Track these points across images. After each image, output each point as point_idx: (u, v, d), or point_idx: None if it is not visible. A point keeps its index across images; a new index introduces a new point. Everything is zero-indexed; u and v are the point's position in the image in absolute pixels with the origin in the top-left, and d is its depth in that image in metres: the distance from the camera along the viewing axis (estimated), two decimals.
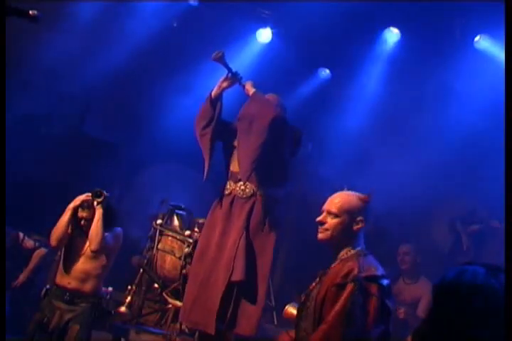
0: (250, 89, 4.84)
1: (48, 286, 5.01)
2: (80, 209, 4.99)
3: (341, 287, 2.95)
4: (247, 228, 4.57)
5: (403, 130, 7.16)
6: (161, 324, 5.56)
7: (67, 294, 4.83)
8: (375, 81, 7.25)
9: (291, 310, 4.40)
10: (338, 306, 2.91)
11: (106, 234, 4.90)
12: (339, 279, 2.98)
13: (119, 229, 5.05)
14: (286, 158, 4.78)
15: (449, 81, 6.86)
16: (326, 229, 3.18)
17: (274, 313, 5.61)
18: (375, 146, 7.13)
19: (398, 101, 7.11)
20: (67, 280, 4.89)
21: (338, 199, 3.22)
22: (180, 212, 5.82)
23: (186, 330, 4.99)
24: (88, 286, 4.89)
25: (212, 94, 4.91)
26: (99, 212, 4.90)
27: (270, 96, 4.90)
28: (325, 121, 7.29)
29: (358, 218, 3.16)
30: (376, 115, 7.15)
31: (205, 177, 4.86)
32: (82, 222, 4.98)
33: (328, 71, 7.71)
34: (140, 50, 7.32)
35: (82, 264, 4.92)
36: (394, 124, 7.14)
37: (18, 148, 7.26)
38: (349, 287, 2.93)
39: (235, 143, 4.83)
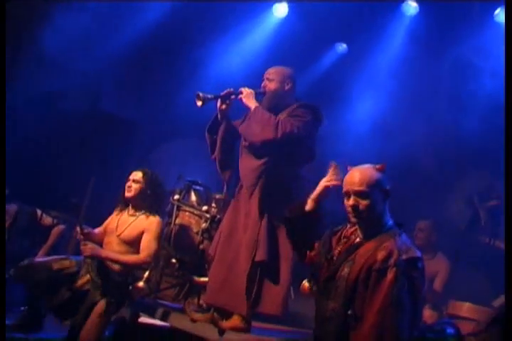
0: (250, 104, 4.56)
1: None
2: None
3: (382, 272, 2.87)
4: (267, 205, 4.49)
5: (420, 105, 7.11)
6: (178, 299, 5.59)
7: (99, 267, 4.92)
8: (392, 55, 7.18)
9: (309, 285, 4.41)
10: (383, 293, 2.83)
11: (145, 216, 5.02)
12: (379, 264, 2.89)
13: (157, 218, 5.10)
14: (307, 146, 4.59)
15: (468, 55, 6.78)
16: (363, 212, 3.03)
17: (291, 288, 5.63)
18: (392, 121, 7.08)
19: (415, 76, 7.04)
20: None
21: (359, 177, 3.04)
22: (198, 187, 5.82)
23: (204, 305, 5.01)
24: (117, 267, 4.96)
25: (218, 116, 4.71)
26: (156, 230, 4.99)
27: (282, 70, 4.73)
28: (342, 97, 7.25)
29: (387, 187, 3.05)
30: (393, 90, 7.09)
31: (224, 196, 4.83)
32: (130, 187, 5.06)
33: (345, 45, 7.65)
34: (155, 24, 7.30)
35: (116, 246, 5.00)
36: (411, 99, 7.09)
37: (35, 125, 7.28)
38: (392, 272, 2.85)
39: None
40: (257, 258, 4.42)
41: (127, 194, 5.11)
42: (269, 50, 7.35)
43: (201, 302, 5.03)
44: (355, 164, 3.23)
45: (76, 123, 7.75)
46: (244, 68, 7.19)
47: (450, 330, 4.52)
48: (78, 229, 5.01)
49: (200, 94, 4.55)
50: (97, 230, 5.18)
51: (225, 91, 4.62)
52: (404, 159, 6.78)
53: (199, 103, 4.55)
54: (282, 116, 4.56)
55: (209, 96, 4.58)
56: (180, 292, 5.52)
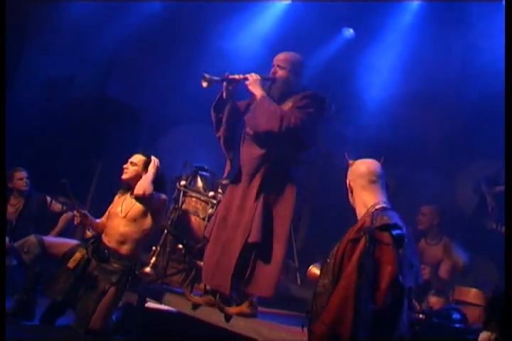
0: (256, 91, 4.55)
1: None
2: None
3: (355, 241, 2.96)
4: (265, 190, 4.53)
5: (428, 90, 7.07)
6: (185, 284, 5.61)
7: (106, 251, 4.97)
8: (400, 40, 7.14)
9: (315, 270, 4.43)
10: (352, 261, 2.92)
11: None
12: (353, 234, 3.00)
13: (164, 195, 5.18)
14: (311, 132, 4.62)
15: (476, 39, 6.72)
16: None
17: (298, 274, 5.64)
18: (398, 106, 7.06)
19: (424, 60, 6.99)
20: (107, 239, 5.06)
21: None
22: (204, 173, 5.83)
23: (209, 290, 5.03)
24: (124, 248, 5.01)
25: (224, 95, 4.71)
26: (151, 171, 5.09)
27: (294, 57, 4.72)
28: (349, 82, 7.22)
29: (348, 181, 3.29)
30: (401, 75, 7.06)
31: (224, 176, 4.85)
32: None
33: (351, 30, 7.61)
34: (162, 10, 7.29)
35: (122, 227, 5.07)
36: (419, 84, 7.04)
37: (41, 112, 7.30)
38: (362, 240, 2.93)
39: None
40: (250, 240, 4.46)
41: (123, 176, 5.18)
42: (275, 34, 7.33)
43: (207, 287, 5.04)
44: (362, 151, 3.33)
45: (83, 109, 7.77)
46: (251, 53, 7.18)
47: (456, 316, 4.53)
48: (75, 211, 5.10)
49: (207, 76, 4.56)
50: (100, 220, 5.25)
51: (230, 76, 4.62)
52: (411, 145, 6.78)
53: (204, 84, 4.57)
54: (287, 105, 4.56)
55: (215, 78, 4.59)
56: (186, 277, 5.55)
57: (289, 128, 4.40)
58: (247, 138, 4.68)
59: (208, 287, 4.90)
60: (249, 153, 4.64)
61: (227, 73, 4.64)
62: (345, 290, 2.88)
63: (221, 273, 4.53)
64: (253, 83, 4.56)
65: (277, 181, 4.56)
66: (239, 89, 4.71)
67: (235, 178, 4.76)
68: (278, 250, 4.49)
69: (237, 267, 4.47)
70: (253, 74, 4.60)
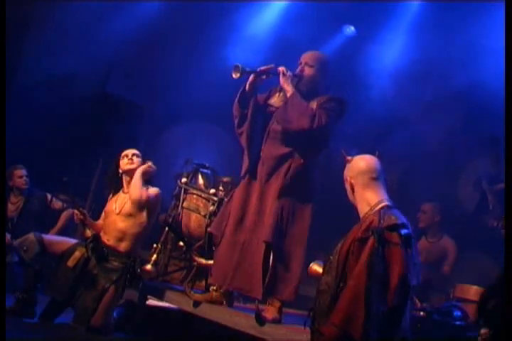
0: (288, 87, 4.50)
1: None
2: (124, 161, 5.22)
3: (363, 241, 2.95)
4: (284, 191, 4.47)
5: (430, 88, 7.06)
6: (186, 281, 5.61)
7: (105, 250, 4.98)
8: (401, 37, 7.13)
9: (316, 267, 4.41)
10: (361, 260, 2.90)
11: (145, 188, 5.11)
12: (361, 233, 2.99)
13: (156, 188, 5.20)
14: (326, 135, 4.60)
15: (478, 36, 6.71)
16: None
17: None
18: (400, 104, 7.05)
19: (425, 58, 6.99)
20: (106, 237, 5.07)
21: None
22: (205, 170, 5.83)
23: (213, 288, 5.04)
24: (123, 245, 5.02)
25: (247, 88, 4.61)
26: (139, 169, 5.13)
27: (322, 56, 4.72)
28: (350, 79, 7.21)
29: (348, 178, 3.28)
30: (403, 72, 7.05)
31: (242, 173, 4.73)
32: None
33: (352, 28, 7.60)
34: (163, 7, 7.28)
35: (119, 223, 5.08)
36: (421, 82, 7.04)
37: (42, 111, 7.30)
38: (371, 240, 2.92)
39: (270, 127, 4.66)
40: (270, 241, 4.39)
41: (130, 166, 5.20)
42: (276, 34, 7.33)
43: (209, 282, 5.04)
44: (361, 148, 3.33)
45: (84, 106, 7.77)
46: (253, 52, 7.17)
47: (457, 313, 4.55)
48: (76, 210, 5.12)
49: (239, 66, 4.47)
50: (98, 222, 5.27)
51: (265, 67, 4.54)
52: (411, 143, 6.77)
53: (236, 75, 4.47)
54: (313, 105, 4.52)
55: (247, 69, 4.51)
56: (187, 275, 5.55)
57: (319, 127, 4.37)
58: (273, 136, 4.60)
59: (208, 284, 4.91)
60: (273, 150, 4.56)
61: (270, 65, 4.57)
62: (355, 290, 2.87)
63: (245, 276, 4.46)
64: (286, 78, 4.51)
65: (297, 182, 4.49)
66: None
67: (249, 177, 4.68)
68: (299, 253, 4.44)
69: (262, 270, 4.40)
70: (283, 67, 4.54)
